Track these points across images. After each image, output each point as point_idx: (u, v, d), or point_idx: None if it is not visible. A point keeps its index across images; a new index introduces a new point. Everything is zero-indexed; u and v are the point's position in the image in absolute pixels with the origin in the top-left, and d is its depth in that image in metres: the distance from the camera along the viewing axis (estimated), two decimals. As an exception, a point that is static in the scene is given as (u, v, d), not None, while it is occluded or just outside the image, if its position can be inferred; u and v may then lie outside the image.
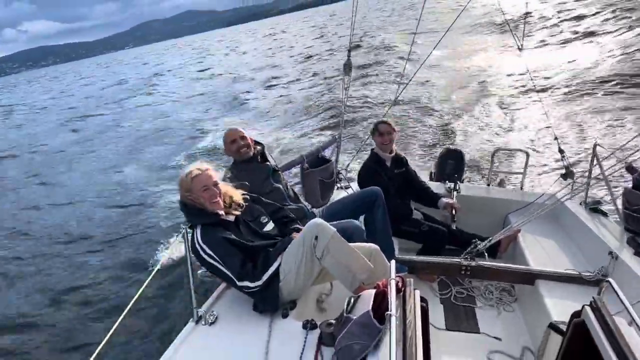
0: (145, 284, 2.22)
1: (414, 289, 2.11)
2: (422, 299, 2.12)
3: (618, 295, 1.85)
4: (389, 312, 1.79)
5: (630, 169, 3.21)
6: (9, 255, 8.55)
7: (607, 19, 16.65)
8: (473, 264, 3.16)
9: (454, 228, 3.82)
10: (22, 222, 10.23)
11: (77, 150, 17.32)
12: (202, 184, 2.54)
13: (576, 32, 15.11)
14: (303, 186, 3.98)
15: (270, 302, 2.43)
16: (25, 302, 6.81)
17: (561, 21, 17.30)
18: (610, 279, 1.95)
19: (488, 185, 4.57)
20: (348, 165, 4.68)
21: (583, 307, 1.99)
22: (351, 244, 2.43)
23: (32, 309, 6.55)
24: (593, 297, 1.97)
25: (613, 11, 17.29)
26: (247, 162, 3.33)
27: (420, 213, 4.02)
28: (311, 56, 30.08)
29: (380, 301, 1.97)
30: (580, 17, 17.96)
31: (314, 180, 3.96)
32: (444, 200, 3.96)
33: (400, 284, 2.06)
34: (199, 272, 2.64)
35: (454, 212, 3.86)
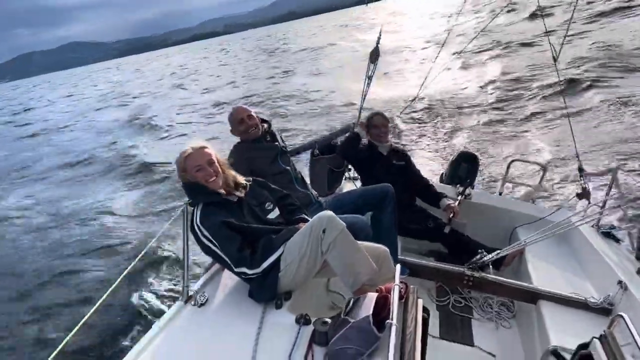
0: (138, 257, 2.13)
1: (417, 298, 2.02)
2: (424, 309, 2.03)
3: (631, 332, 1.75)
4: (389, 321, 1.70)
5: None
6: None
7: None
8: (477, 275, 3.06)
9: (446, 231, 3.70)
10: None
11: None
12: (196, 163, 2.42)
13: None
14: (311, 172, 3.87)
15: (267, 291, 2.32)
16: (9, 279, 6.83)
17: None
18: (623, 314, 1.85)
19: (500, 194, 4.44)
20: None
21: (592, 339, 1.90)
22: (360, 243, 2.32)
23: (18, 285, 6.57)
24: (604, 331, 1.88)
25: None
26: (254, 142, 3.22)
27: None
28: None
29: (381, 306, 1.87)
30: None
31: (323, 168, 3.85)
32: (446, 201, 3.84)
33: (403, 291, 1.97)
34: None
35: (451, 215, 3.75)
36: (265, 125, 3.31)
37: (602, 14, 19.41)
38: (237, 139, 3.32)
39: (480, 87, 13.35)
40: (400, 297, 1.90)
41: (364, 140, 3.85)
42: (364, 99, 3.94)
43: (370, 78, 3.82)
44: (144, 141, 15.93)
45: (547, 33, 3.36)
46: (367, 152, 3.86)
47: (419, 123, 10.95)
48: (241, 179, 2.59)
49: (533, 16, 23.03)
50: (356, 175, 4.24)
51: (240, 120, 3.20)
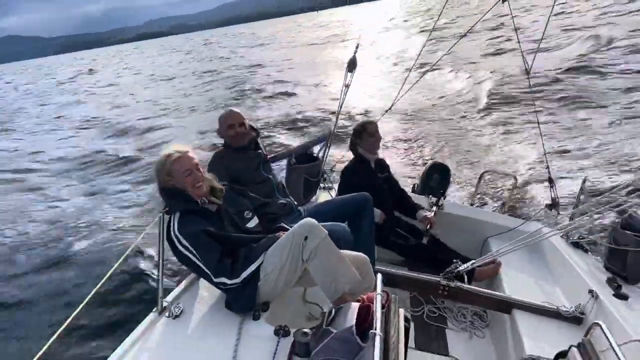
0: (112, 269, 2.05)
1: (399, 307, 2.01)
2: (405, 319, 2.02)
3: (608, 340, 1.78)
4: (373, 331, 1.67)
5: (620, 211, 3.17)
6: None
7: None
8: (452, 284, 3.08)
9: (424, 242, 3.75)
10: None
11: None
12: (185, 168, 2.36)
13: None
14: (287, 181, 3.83)
15: (245, 302, 2.27)
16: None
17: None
18: (600, 323, 1.89)
19: (471, 205, 4.51)
20: (334, 166, 4.55)
21: (570, 347, 1.93)
22: (341, 251, 2.29)
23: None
24: (582, 339, 1.91)
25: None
26: (240, 149, 3.17)
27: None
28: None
29: (364, 316, 1.85)
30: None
31: (299, 177, 3.83)
32: (423, 213, 3.89)
33: (384, 300, 1.95)
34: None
35: (428, 226, 3.79)
36: (254, 134, 3.27)
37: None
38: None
39: (452, 97, 13.60)
40: (382, 307, 1.89)
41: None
42: (341, 107, 3.95)
43: (347, 87, 3.83)
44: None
45: (520, 44, 3.43)
46: (362, 170, 3.78)
47: (391, 132, 11.03)
48: (217, 184, 2.53)
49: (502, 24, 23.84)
50: (331, 185, 4.23)
51: (230, 126, 3.13)
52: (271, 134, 12.30)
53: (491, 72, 15.39)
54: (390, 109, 4.34)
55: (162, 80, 33.09)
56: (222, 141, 3.26)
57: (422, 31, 31.67)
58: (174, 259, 2.39)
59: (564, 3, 28.52)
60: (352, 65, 3.74)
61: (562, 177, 6.63)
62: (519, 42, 3.37)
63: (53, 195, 10.48)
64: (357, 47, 3.72)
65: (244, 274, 2.23)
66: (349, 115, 12.22)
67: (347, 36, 43.17)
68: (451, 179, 4.79)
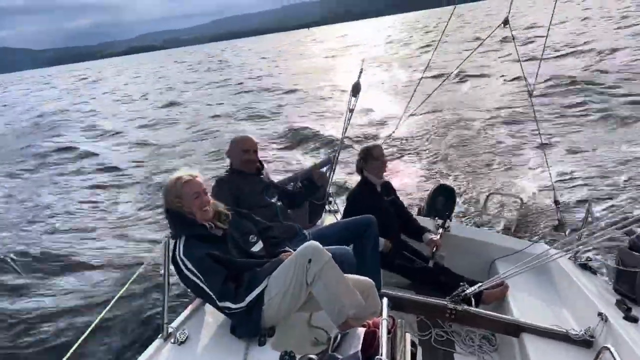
0: (119, 294, 2.06)
1: (405, 332, 2.00)
2: (412, 343, 2.01)
3: None
4: (379, 357, 1.67)
5: (628, 232, 3.15)
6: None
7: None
8: (459, 308, 3.05)
9: (430, 265, 3.72)
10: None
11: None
12: (194, 190, 2.41)
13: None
14: None
15: (250, 327, 2.26)
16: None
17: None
18: (610, 347, 1.87)
19: (478, 227, 4.49)
20: (339, 188, 4.56)
21: None
22: (346, 275, 2.29)
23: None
24: None
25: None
26: (245, 173, 3.23)
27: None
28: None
29: (369, 342, 1.84)
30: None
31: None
32: (429, 235, 3.88)
33: (390, 325, 1.95)
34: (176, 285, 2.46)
35: (434, 249, 3.78)
36: (258, 164, 3.35)
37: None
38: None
39: (456, 117, 13.63)
40: (388, 332, 1.88)
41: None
42: (345, 131, 3.98)
43: (351, 111, 3.87)
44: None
45: (520, 63, 3.48)
46: (368, 194, 3.79)
47: (396, 154, 11.06)
48: (223, 208, 2.57)
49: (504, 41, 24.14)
50: (337, 208, 4.23)
51: (245, 150, 3.22)
52: (275, 153, 12.37)
53: (494, 91, 15.49)
54: (394, 132, 4.38)
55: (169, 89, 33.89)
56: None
57: (424, 46, 32.15)
58: (179, 284, 2.40)
59: (564, 22, 28.92)
60: (356, 90, 3.79)
61: (568, 198, 6.62)
62: (520, 64, 3.41)
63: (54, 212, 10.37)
64: (360, 72, 3.77)
65: (248, 298, 2.23)
66: (354, 138, 12.28)
67: (348, 51, 45.03)
68: (457, 200, 4.79)
